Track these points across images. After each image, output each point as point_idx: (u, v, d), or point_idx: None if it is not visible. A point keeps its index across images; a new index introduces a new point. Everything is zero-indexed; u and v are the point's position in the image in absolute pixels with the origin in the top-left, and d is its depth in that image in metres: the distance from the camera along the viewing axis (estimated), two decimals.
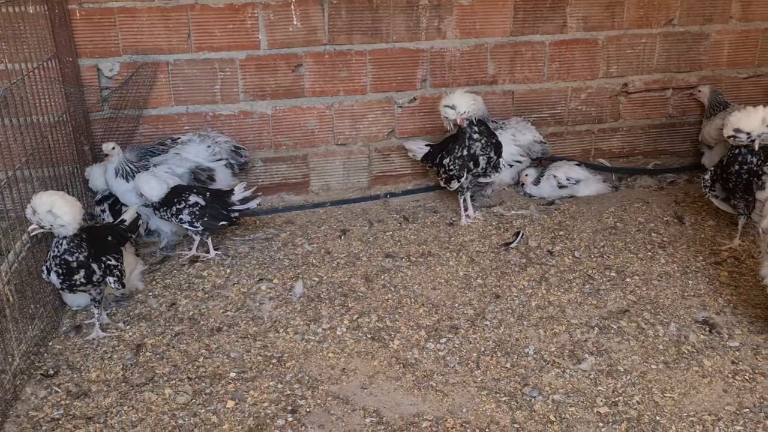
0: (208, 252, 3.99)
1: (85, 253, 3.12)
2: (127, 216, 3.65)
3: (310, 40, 4.45)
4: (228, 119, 4.50)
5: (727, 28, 5.03)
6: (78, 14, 4.07)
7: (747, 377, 2.95)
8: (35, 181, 3.46)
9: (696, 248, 4.02)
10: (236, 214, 3.96)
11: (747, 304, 3.47)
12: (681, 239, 4.12)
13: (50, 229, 3.04)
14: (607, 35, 4.86)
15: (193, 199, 3.86)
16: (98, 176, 4.07)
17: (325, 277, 3.78)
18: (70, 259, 3.10)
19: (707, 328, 3.28)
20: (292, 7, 4.35)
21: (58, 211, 3.00)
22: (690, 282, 3.67)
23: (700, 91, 4.95)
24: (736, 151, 3.79)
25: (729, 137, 3.78)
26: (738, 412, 2.76)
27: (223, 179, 4.26)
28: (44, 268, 3.16)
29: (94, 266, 3.15)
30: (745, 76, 5.21)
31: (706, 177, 4.07)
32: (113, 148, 3.94)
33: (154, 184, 3.84)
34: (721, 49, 5.09)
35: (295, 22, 4.39)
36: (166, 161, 4.09)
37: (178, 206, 3.84)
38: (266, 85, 4.48)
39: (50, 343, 3.24)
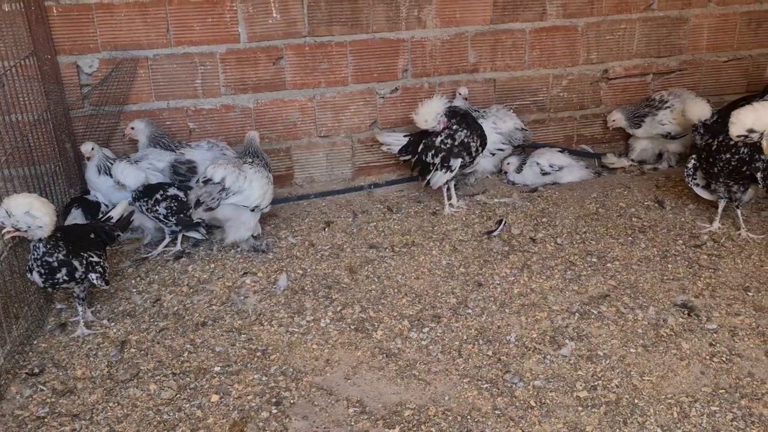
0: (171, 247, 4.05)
1: (64, 251, 3.13)
2: (115, 213, 3.62)
3: (290, 33, 4.44)
4: (210, 113, 4.49)
5: (706, 12, 5.06)
6: (55, 11, 4.05)
7: (724, 359, 3.00)
8: (16, 180, 3.46)
9: (676, 232, 4.06)
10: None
11: (725, 287, 3.52)
12: (661, 223, 4.17)
13: (26, 231, 3.03)
14: (586, 22, 4.88)
15: (172, 191, 3.90)
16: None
17: (309, 270, 3.80)
18: (50, 260, 3.11)
19: (686, 312, 3.32)
20: None
21: (36, 213, 2.99)
22: (669, 266, 3.72)
23: (614, 120, 4.97)
24: (732, 142, 3.73)
25: (740, 136, 3.65)
26: (714, 393, 2.81)
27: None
28: (27, 267, 3.17)
29: (76, 263, 3.16)
30: (724, 60, 5.25)
31: (689, 165, 4.10)
32: (92, 149, 3.93)
33: (130, 171, 3.84)
34: (700, 33, 5.12)
35: (274, 15, 4.39)
36: (147, 156, 4.08)
37: (157, 197, 3.88)
38: (247, 79, 4.48)
39: (35, 342, 3.25)
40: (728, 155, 3.77)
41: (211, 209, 3.71)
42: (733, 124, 3.67)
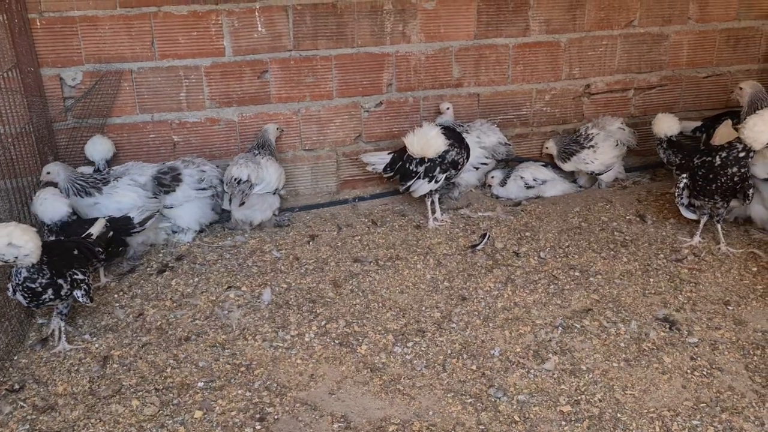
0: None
1: (48, 275, 3.06)
2: (94, 230, 3.57)
3: (276, 46, 4.46)
4: (194, 126, 4.49)
5: (686, 28, 5.15)
6: (38, 23, 4.04)
7: (705, 372, 3.04)
8: None
9: (657, 246, 4.11)
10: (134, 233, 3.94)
11: (706, 301, 3.56)
12: (643, 237, 4.21)
13: (14, 261, 2.95)
14: (569, 37, 4.95)
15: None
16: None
17: (293, 284, 3.79)
18: (33, 285, 3.04)
19: (667, 325, 3.36)
20: (257, 13, 4.36)
21: (17, 242, 2.91)
22: (651, 280, 3.76)
23: (547, 148, 4.98)
24: (742, 154, 3.68)
25: None
26: (695, 407, 2.84)
27: (190, 182, 4.18)
28: (9, 287, 3.10)
29: (61, 282, 3.12)
30: (704, 76, 5.33)
31: (680, 185, 4.01)
32: (48, 173, 3.79)
33: (54, 204, 3.61)
34: (680, 49, 5.21)
35: (259, 29, 4.40)
36: (128, 171, 4.04)
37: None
38: (232, 92, 4.48)
39: (15, 357, 3.21)
40: (735, 169, 3.72)
41: (243, 203, 4.16)
42: (762, 132, 3.61)
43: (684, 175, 4.02)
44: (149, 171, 4.08)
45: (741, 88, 4.49)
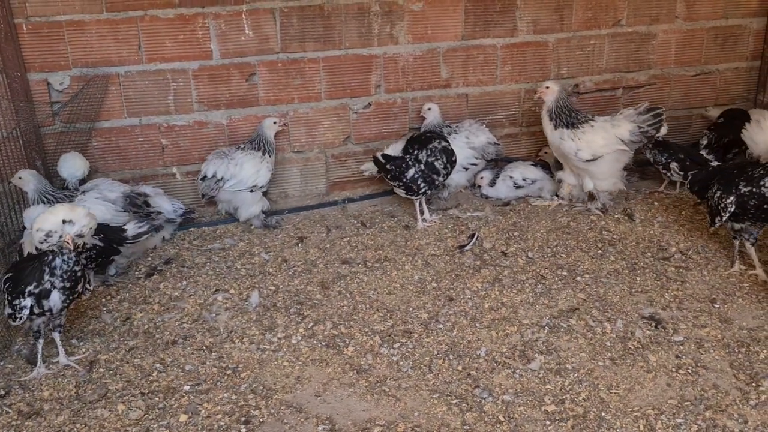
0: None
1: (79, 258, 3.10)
2: None
3: (263, 49, 4.46)
4: (182, 130, 4.49)
5: (674, 27, 5.16)
6: (25, 28, 4.04)
7: (689, 371, 3.04)
8: None
9: (645, 245, 4.12)
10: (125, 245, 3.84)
11: (692, 299, 3.57)
12: (630, 236, 4.22)
13: (65, 244, 2.97)
14: (556, 37, 4.95)
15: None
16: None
17: (281, 286, 3.80)
18: (77, 268, 3.06)
19: (653, 324, 3.37)
20: (244, 16, 4.36)
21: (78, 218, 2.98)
22: (638, 278, 3.76)
23: (546, 153, 4.92)
24: None
25: None
26: (680, 405, 2.85)
27: (163, 204, 4.20)
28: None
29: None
30: (692, 74, 5.34)
31: (728, 213, 3.59)
32: (20, 178, 3.76)
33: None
34: (668, 48, 5.21)
35: (247, 32, 4.40)
36: (96, 186, 3.99)
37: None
38: (220, 95, 4.48)
39: (1, 363, 3.21)
40: None
41: (212, 197, 4.40)
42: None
43: (730, 200, 3.57)
44: (120, 188, 4.04)
45: (548, 87, 4.39)
